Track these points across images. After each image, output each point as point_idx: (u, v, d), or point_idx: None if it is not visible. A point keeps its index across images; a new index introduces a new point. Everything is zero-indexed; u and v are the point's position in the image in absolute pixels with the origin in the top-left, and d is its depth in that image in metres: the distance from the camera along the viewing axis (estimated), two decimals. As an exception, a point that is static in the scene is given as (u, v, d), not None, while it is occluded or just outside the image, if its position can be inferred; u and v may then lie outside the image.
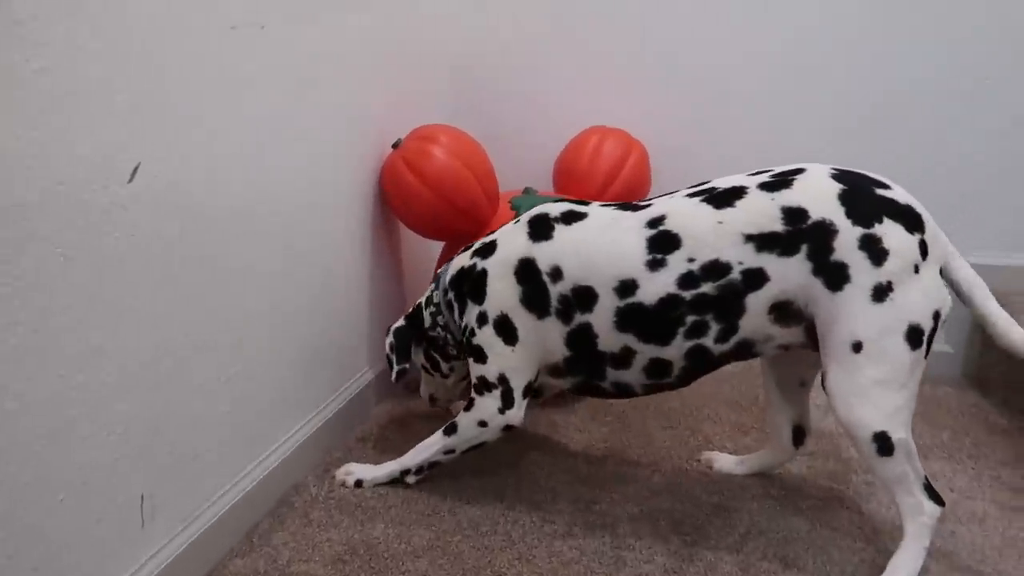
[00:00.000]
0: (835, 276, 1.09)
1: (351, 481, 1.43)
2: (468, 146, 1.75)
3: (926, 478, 1.15)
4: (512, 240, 1.32)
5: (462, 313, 1.38)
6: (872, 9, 1.92)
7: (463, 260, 1.40)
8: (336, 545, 1.25)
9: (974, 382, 1.97)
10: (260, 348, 1.31)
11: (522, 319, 1.29)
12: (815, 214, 1.11)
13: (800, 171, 1.16)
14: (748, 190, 1.16)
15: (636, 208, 1.25)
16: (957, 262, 1.15)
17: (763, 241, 1.13)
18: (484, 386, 1.33)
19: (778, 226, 1.12)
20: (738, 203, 1.15)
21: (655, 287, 1.18)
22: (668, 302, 1.18)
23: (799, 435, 1.41)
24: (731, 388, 1.87)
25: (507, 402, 1.32)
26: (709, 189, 1.20)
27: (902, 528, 1.14)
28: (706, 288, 1.16)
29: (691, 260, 1.16)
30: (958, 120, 1.94)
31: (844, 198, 1.11)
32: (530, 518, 1.33)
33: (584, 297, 1.23)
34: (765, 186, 1.15)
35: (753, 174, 1.19)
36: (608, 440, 1.62)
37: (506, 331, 1.30)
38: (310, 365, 1.50)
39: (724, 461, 1.51)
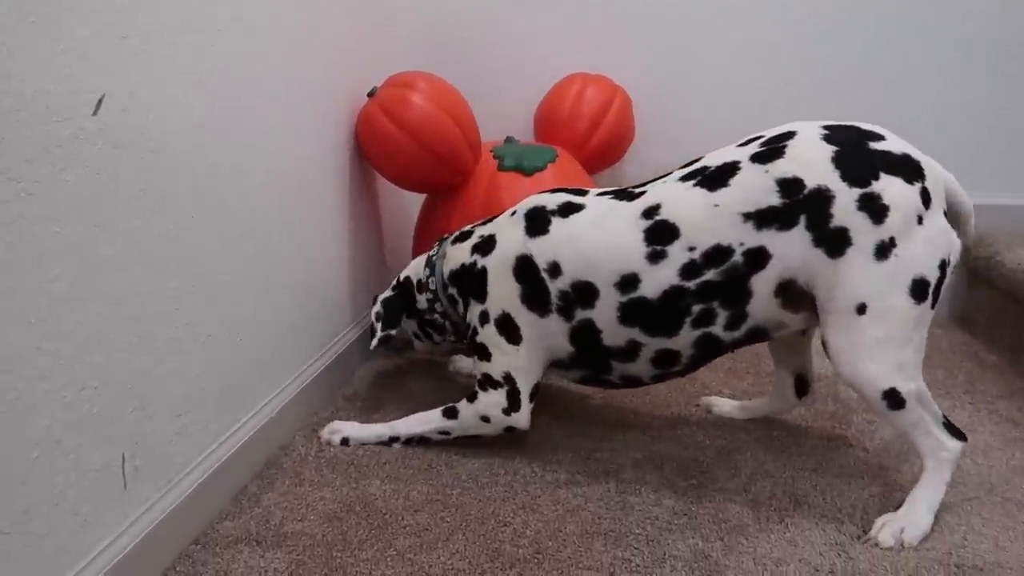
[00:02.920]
0: (836, 243, 1.05)
1: (337, 439, 1.37)
2: (448, 93, 1.68)
3: (944, 417, 1.12)
4: (510, 236, 1.28)
5: (466, 309, 1.36)
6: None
7: (463, 255, 1.36)
8: (330, 503, 1.19)
9: (961, 322, 1.97)
10: (237, 307, 1.24)
11: (524, 318, 1.26)
12: (811, 182, 1.06)
13: (790, 135, 1.11)
14: (741, 165, 1.11)
15: (632, 197, 1.21)
16: (958, 193, 1.12)
17: (761, 218, 1.08)
18: (488, 382, 1.30)
19: (775, 199, 1.08)
20: (732, 181, 1.11)
21: (657, 280, 1.15)
22: (672, 294, 1.14)
23: (802, 386, 1.38)
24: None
25: (513, 403, 1.28)
26: (701, 169, 1.15)
27: (921, 464, 1.12)
28: (709, 275, 1.12)
29: (691, 249, 1.12)
30: (955, 65, 1.92)
31: (838, 160, 1.06)
32: (530, 468, 1.29)
33: (585, 293, 1.20)
34: (757, 158, 1.10)
35: (744, 144, 1.15)
36: (604, 393, 1.58)
37: (508, 330, 1.27)
38: (291, 324, 1.43)
39: (724, 405, 1.48)
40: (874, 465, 1.29)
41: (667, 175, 1.21)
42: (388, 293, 1.51)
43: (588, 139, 1.85)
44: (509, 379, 1.28)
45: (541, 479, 1.25)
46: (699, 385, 1.61)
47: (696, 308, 1.14)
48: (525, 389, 1.29)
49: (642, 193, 1.20)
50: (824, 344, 1.11)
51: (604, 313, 1.20)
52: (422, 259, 1.50)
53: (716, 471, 1.27)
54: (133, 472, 0.99)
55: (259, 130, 1.29)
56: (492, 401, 1.29)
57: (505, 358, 1.28)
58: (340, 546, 1.08)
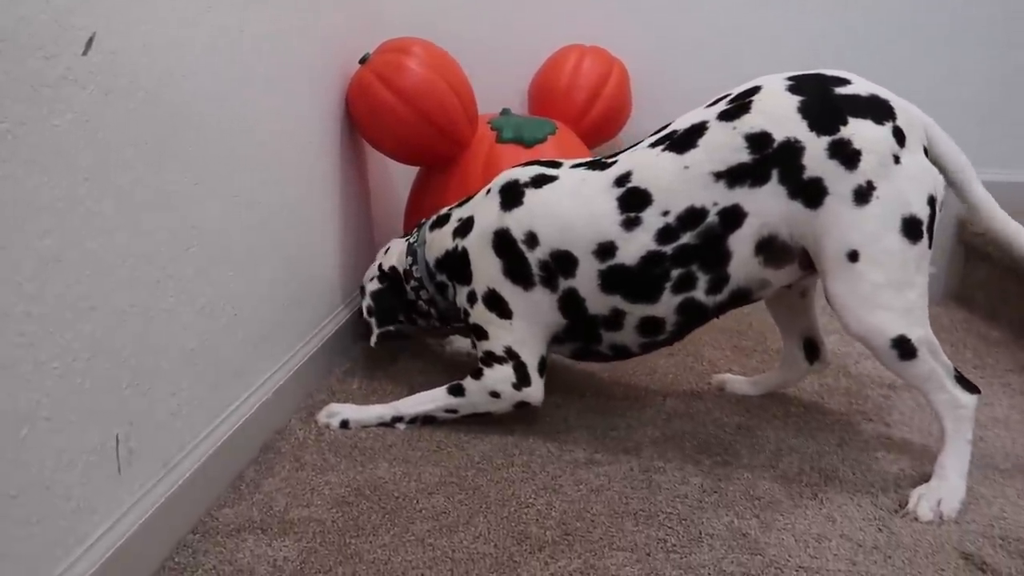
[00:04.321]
0: (812, 193, 1.04)
1: (336, 423, 1.29)
2: (444, 60, 1.60)
3: (955, 369, 1.10)
4: (486, 213, 1.27)
5: (455, 295, 1.33)
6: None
7: (445, 241, 1.34)
8: (337, 488, 1.11)
9: (959, 300, 1.95)
10: (231, 278, 1.14)
11: (509, 291, 1.23)
12: (779, 135, 1.04)
13: (756, 90, 1.09)
14: (708, 125, 1.09)
15: (604, 166, 1.20)
16: (941, 143, 1.09)
17: (733, 175, 1.07)
18: (492, 358, 1.25)
19: (744, 156, 1.06)
20: (700, 142, 1.09)
21: (635, 246, 1.14)
22: (650, 259, 1.13)
23: (811, 350, 1.34)
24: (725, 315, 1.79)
25: (522, 377, 1.24)
26: (670, 134, 1.14)
27: (941, 426, 1.08)
28: (686, 239, 1.11)
29: (665, 213, 1.11)
30: (954, 46, 1.89)
31: (804, 110, 1.04)
32: (546, 448, 1.22)
33: (564, 262, 1.19)
34: (724, 115, 1.09)
35: (712, 103, 1.13)
36: (609, 372, 1.52)
37: (497, 305, 1.24)
38: (286, 300, 1.34)
39: (736, 382, 1.43)
40: (897, 438, 1.25)
41: (638, 143, 1.20)
42: (375, 285, 1.47)
43: (586, 112, 1.79)
44: (512, 353, 1.24)
45: (559, 459, 1.19)
46: (707, 364, 1.56)
47: (675, 273, 1.13)
48: (531, 362, 1.24)
49: (614, 162, 1.19)
50: (828, 300, 1.08)
51: (585, 282, 1.18)
52: (400, 245, 1.46)
53: (739, 448, 1.22)
54: (127, 455, 0.90)
55: (252, 93, 1.20)
56: (500, 376, 1.24)
57: (502, 332, 1.24)
58: (353, 532, 1.01)
